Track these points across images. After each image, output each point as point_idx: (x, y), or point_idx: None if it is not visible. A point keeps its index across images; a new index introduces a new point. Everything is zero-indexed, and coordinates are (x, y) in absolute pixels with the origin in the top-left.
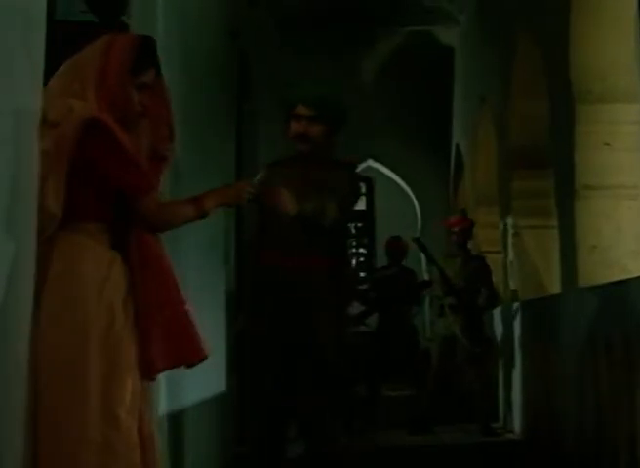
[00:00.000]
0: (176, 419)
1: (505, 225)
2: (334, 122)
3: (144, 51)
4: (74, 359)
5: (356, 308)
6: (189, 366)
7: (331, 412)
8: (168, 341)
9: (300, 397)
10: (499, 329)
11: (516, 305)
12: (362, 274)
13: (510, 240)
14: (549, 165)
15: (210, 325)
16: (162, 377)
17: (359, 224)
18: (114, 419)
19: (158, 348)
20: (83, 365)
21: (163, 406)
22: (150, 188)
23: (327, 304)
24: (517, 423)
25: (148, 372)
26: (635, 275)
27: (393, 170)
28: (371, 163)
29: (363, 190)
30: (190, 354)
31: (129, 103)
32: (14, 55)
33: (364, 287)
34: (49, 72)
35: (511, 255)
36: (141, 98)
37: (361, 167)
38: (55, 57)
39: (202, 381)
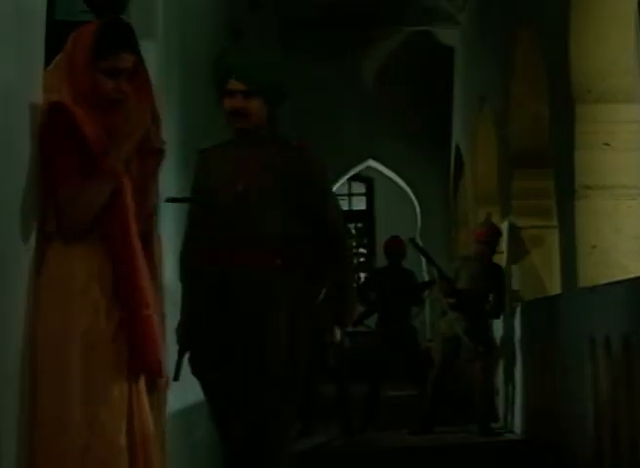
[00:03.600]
0: (174, 420)
1: (505, 225)
2: (272, 95)
3: (112, 34)
4: (58, 358)
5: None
6: (150, 378)
7: (282, 414)
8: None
9: (250, 399)
10: (499, 329)
11: (516, 305)
12: (362, 274)
13: (510, 240)
14: (549, 165)
15: None
16: None
17: (359, 224)
18: (96, 422)
19: (144, 349)
20: (66, 364)
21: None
22: (64, 182)
23: (277, 302)
24: (517, 423)
25: (140, 374)
26: (635, 275)
27: (393, 170)
28: (371, 163)
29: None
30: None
31: (99, 89)
32: (14, 54)
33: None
34: None
35: (511, 255)
36: (118, 85)
37: (361, 167)
38: (55, 57)
39: None
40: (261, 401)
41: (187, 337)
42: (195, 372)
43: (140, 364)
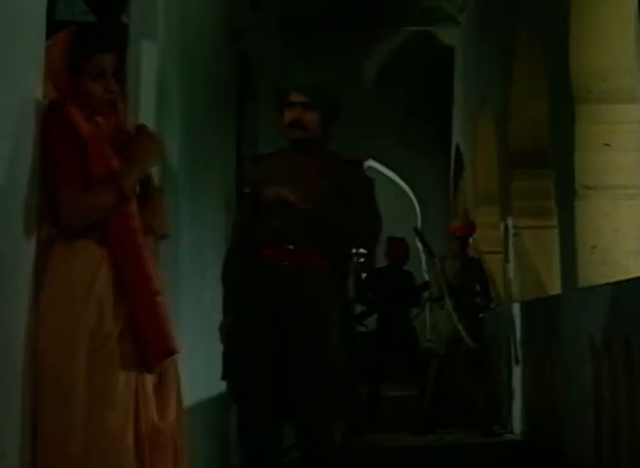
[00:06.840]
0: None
1: (505, 225)
2: (328, 109)
3: (85, 38)
4: (63, 360)
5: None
6: (162, 358)
7: (331, 414)
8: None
9: (300, 399)
10: (499, 329)
11: (516, 306)
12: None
13: (510, 240)
14: (549, 165)
15: (209, 324)
16: None
17: None
18: (102, 422)
19: (149, 342)
20: (71, 365)
21: None
22: (66, 181)
23: (329, 302)
24: (517, 424)
25: (146, 369)
26: (635, 275)
27: (394, 170)
28: (371, 163)
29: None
30: (161, 348)
31: (89, 93)
32: (14, 55)
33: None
34: None
35: (511, 256)
36: (107, 85)
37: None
38: None
39: (202, 381)
40: (314, 399)
41: (234, 336)
42: (235, 372)
43: (150, 353)
